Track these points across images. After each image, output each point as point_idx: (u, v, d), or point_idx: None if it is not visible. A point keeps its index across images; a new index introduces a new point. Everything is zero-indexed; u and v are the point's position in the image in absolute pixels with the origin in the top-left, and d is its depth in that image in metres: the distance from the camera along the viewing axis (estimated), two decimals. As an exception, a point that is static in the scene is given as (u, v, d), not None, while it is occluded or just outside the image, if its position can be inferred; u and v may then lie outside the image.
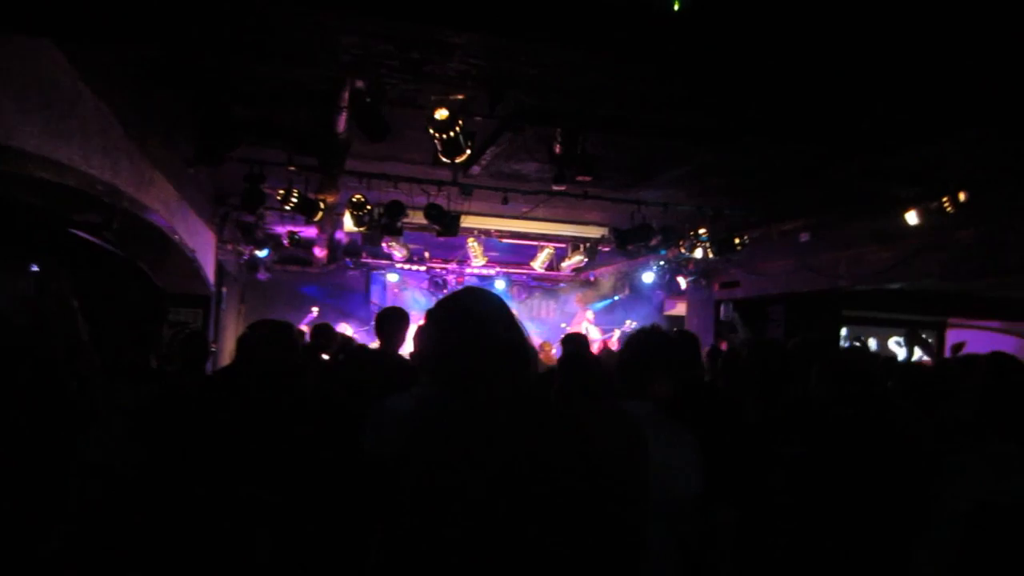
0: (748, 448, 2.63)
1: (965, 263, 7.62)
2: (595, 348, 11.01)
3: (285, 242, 11.59)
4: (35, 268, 5.25)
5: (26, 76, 3.99)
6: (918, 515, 2.39)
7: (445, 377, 1.66)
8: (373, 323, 4.53)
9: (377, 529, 1.62)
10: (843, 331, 11.10)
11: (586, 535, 1.52)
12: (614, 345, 12.83)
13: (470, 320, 1.66)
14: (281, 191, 7.65)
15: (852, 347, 8.78)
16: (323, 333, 6.03)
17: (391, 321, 4.31)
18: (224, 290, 11.04)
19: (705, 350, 5.95)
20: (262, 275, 12.90)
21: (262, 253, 11.56)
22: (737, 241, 9.23)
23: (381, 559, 1.56)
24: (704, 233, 9.41)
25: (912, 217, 7.25)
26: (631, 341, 2.63)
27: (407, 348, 4.38)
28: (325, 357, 5.69)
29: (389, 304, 6.80)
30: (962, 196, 6.68)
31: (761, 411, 2.95)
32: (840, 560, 2.44)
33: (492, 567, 1.46)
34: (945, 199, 6.77)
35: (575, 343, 5.19)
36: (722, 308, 11.42)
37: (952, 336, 11.68)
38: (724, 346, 8.84)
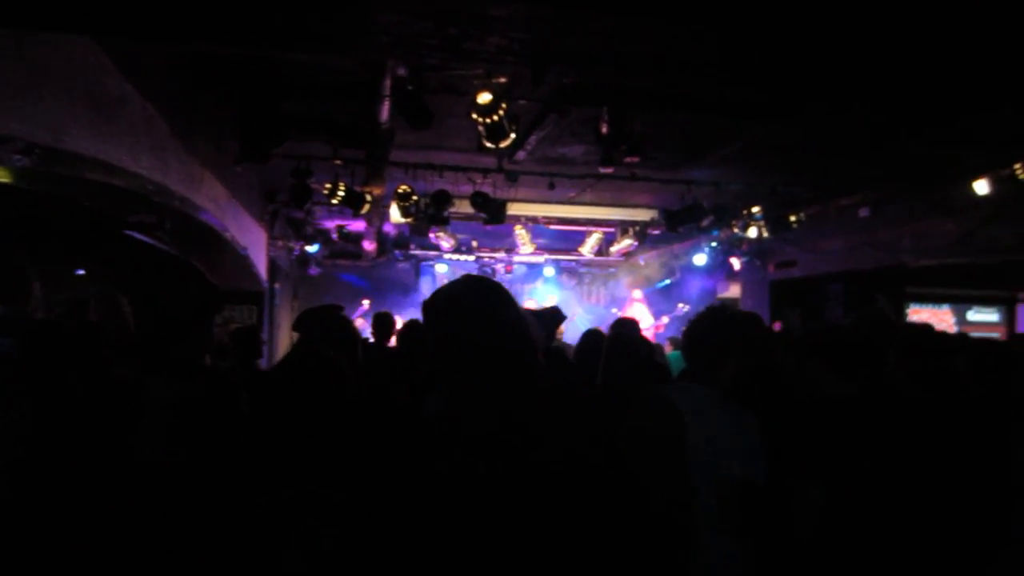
0: (825, 428, 2.50)
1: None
2: (648, 332, 10.79)
3: (334, 236, 11.70)
4: (81, 272, 5.33)
5: (72, 78, 4.02)
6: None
7: (438, 371, 1.65)
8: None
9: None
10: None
11: (588, 524, 1.50)
12: (663, 331, 12.58)
13: (454, 313, 1.64)
14: (328, 185, 7.69)
15: (918, 324, 8.37)
16: (384, 323, 5.97)
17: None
18: (277, 286, 11.18)
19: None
20: (313, 270, 13.07)
21: (312, 248, 11.71)
22: (793, 219, 8.96)
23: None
24: (758, 212, 9.14)
25: (982, 186, 6.87)
26: (694, 324, 2.54)
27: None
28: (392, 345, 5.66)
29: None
30: (1036, 161, 6.33)
31: (833, 391, 2.80)
32: (929, 541, 2.30)
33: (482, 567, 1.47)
34: (1017, 165, 6.43)
35: (623, 327, 5.05)
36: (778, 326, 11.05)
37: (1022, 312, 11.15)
38: (778, 327, 8.60)
